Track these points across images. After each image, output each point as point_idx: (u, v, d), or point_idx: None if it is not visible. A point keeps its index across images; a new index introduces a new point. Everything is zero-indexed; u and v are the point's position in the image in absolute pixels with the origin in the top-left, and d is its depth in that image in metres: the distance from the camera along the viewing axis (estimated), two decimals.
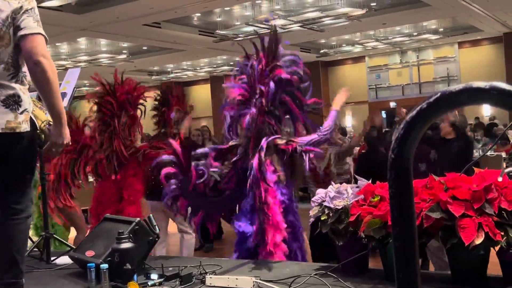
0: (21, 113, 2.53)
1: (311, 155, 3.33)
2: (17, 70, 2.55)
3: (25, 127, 2.54)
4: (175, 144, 3.42)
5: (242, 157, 3.36)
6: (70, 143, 2.77)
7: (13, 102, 2.50)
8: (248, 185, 3.17)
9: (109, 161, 4.29)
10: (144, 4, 11.99)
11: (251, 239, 3.16)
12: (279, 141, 3.34)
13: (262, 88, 3.34)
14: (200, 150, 3.47)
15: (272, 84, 3.32)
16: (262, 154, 3.17)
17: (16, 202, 2.55)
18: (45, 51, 2.51)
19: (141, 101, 4.48)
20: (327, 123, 3.48)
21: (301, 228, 3.41)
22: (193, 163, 3.35)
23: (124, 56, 17.96)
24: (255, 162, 3.15)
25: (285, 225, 3.17)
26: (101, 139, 4.26)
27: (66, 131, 2.63)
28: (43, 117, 2.73)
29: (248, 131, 3.35)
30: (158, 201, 5.23)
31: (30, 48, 2.48)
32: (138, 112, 4.49)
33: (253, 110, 3.35)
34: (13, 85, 2.52)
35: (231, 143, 3.47)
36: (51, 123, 2.68)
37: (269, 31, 3.60)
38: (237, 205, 3.44)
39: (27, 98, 2.58)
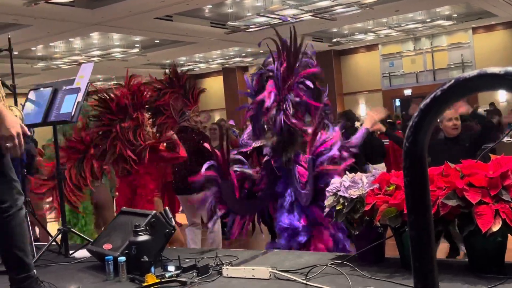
0: None
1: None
2: None
3: None
4: (215, 150, 3.37)
5: (272, 156, 3.34)
6: (24, 131, 2.48)
7: None
8: (304, 181, 3.21)
9: (117, 165, 4.24)
10: None
11: (303, 234, 3.21)
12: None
13: (287, 93, 3.31)
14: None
15: (295, 92, 3.30)
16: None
17: (2, 201, 2.47)
18: None
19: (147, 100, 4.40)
20: (356, 139, 3.42)
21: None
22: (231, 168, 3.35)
23: (136, 50, 18.03)
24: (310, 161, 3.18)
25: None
26: (103, 148, 4.16)
27: (8, 121, 2.39)
28: None
29: (279, 135, 3.31)
30: (186, 195, 5.36)
31: None
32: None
33: (282, 116, 3.27)
34: None
35: (254, 145, 3.46)
36: None
37: (280, 21, 3.58)
38: (268, 205, 3.49)
39: None
